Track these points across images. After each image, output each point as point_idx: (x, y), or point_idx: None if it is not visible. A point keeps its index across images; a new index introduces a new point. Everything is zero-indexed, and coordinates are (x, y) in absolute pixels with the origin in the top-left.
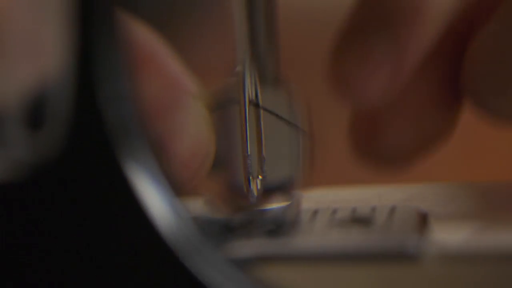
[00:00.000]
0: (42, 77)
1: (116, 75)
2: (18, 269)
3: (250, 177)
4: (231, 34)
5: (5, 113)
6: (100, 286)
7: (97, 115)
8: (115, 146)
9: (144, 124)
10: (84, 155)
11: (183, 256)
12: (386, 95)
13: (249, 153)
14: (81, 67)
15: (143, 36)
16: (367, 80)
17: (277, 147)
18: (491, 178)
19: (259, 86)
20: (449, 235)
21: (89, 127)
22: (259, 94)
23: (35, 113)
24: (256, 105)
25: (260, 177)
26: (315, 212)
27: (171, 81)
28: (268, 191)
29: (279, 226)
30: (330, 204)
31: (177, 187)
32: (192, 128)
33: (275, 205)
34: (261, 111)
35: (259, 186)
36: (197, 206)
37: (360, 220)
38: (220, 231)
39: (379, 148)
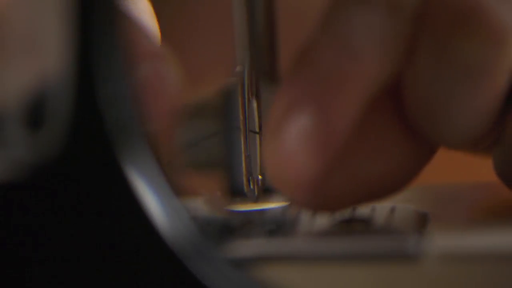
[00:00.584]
0: (42, 77)
1: (116, 75)
2: (18, 269)
3: (250, 177)
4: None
5: (5, 113)
6: (100, 286)
7: (97, 115)
8: (115, 146)
9: (144, 124)
10: (84, 155)
11: (183, 256)
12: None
13: (249, 153)
14: (81, 67)
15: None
16: (296, 163)
17: None
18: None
19: (259, 86)
20: (449, 235)
21: (89, 127)
22: (259, 94)
23: (35, 113)
24: (256, 104)
25: (260, 177)
26: (315, 212)
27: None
28: (268, 191)
29: (279, 226)
30: None
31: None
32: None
33: (275, 205)
34: (261, 111)
35: (259, 186)
36: (197, 206)
37: (360, 220)
38: (220, 231)
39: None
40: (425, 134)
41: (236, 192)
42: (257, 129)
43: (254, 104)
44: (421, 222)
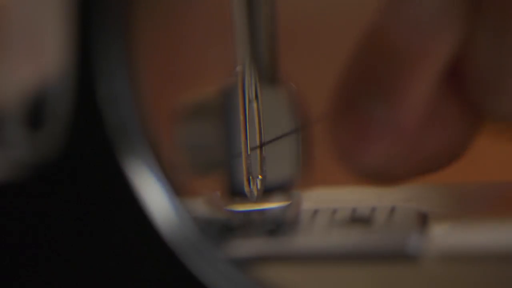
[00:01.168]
0: (42, 77)
1: (116, 75)
2: (18, 269)
3: (250, 177)
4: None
5: (5, 113)
6: (100, 286)
7: (97, 115)
8: (115, 146)
9: (144, 124)
10: (84, 155)
11: (183, 256)
12: (391, 158)
13: (249, 153)
14: (81, 67)
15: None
16: (368, 151)
17: (277, 147)
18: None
19: (259, 86)
20: (449, 235)
21: (89, 127)
22: (259, 94)
23: (35, 113)
24: (256, 105)
25: (260, 177)
26: (315, 212)
27: None
28: (268, 191)
29: (279, 226)
30: (330, 204)
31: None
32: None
33: (275, 205)
34: (261, 111)
35: (259, 186)
36: (197, 206)
37: (360, 220)
38: (220, 231)
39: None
40: (482, 108)
41: (236, 192)
42: (257, 129)
43: (254, 104)
44: (421, 222)
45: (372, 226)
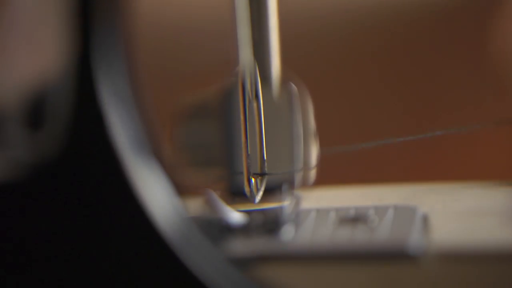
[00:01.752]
0: (42, 77)
1: (116, 75)
2: (18, 269)
3: (250, 177)
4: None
5: (5, 113)
6: (100, 285)
7: (97, 115)
8: (115, 146)
9: (144, 123)
10: (84, 155)
11: (183, 256)
12: None
13: (249, 153)
14: (81, 67)
15: None
16: None
17: (277, 147)
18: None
19: (259, 86)
20: (449, 235)
21: (89, 127)
22: (259, 94)
23: (35, 113)
24: (256, 105)
25: (260, 177)
26: (315, 212)
27: None
28: (268, 191)
29: (279, 226)
30: (330, 204)
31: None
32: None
33: (275, 205)
34: (261, 111)
35: (259, 186)
36: (197, 206)
37: (360, 220)
38: (220, 231)
39: None
40: None
41: (236, 192)
42: (257, 129)
43: (254, 104)
44: (421, 222)
45: (372, 226)
